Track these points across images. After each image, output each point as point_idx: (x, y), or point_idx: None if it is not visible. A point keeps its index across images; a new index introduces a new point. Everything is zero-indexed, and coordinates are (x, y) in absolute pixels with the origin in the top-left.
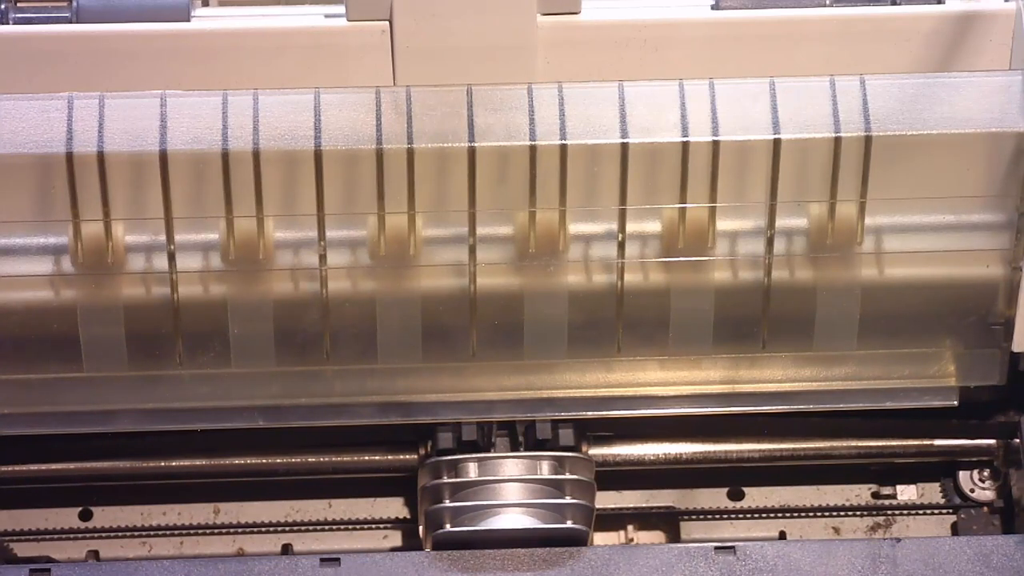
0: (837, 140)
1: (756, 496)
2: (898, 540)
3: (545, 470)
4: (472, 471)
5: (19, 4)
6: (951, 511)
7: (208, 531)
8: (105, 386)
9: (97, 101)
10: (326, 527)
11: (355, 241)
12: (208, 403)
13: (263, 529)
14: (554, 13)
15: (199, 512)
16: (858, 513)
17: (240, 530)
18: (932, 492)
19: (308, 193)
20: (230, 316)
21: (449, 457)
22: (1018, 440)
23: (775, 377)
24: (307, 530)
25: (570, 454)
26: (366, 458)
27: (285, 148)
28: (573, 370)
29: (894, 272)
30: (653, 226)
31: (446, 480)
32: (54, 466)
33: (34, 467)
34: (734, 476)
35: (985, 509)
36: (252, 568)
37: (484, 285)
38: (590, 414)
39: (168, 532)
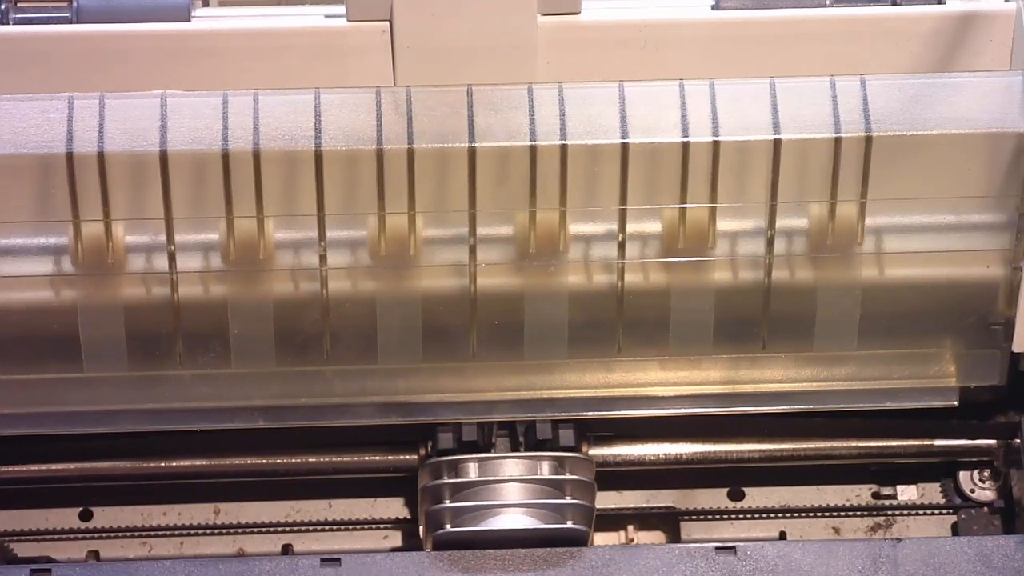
0: (837, 140)
1: (756, 496)
2: (898, 540)
3: (545, 470)
4: (472, 471)
5: (19, 4)
6: (951, 511)
7: (208, 531)
8: (105, 386)
9: (97, 101)
10: (326, 527)
11: (355, 241)
12: (208, 403)
13: (263, 529)
14: (554, 13)
15: (199, 512)
16: (858, 513)
17: (240, 530)
18: (932, 492)
19: (308, 193)
20: (230, 316)
21: (449, 457)
22: (1018, 440)
23: (775, 377)
24: (307, 530)
25: (570, 454)
26: (366, 458)
27: (285, 148)
28: (573, 370)
29: (894, 272)
30: (653, 226)
31: (446, 480)
32: (54, 466)
33: (34, 467)
34: (734, 476)
35: (985, 509)
36: (252, 568)
37: (484, 285)
38: (590, 414)
39: (168, 532)
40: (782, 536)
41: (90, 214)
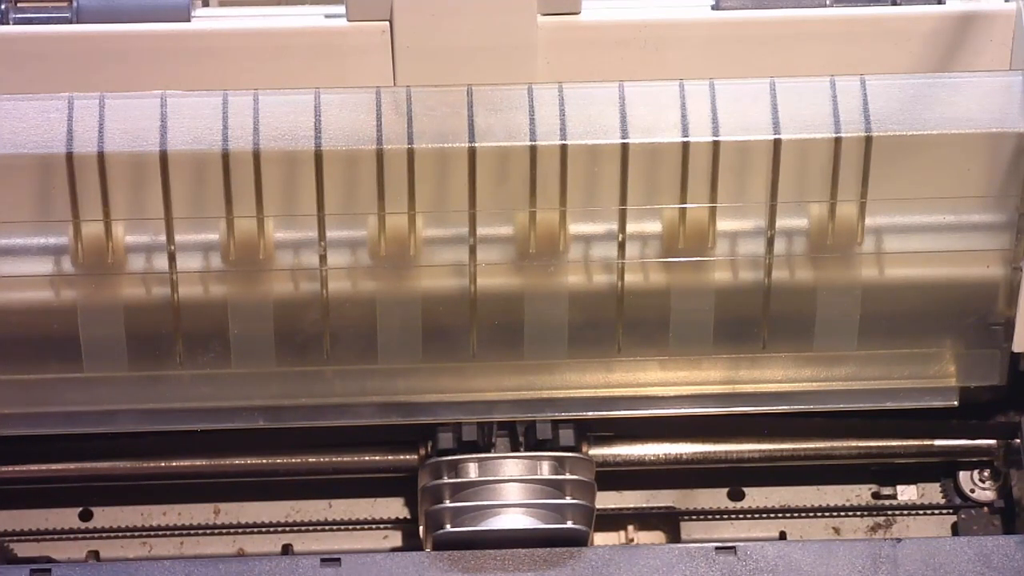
0: (837, 140)
1: (756, 496)
2: (898, 540)
3: (545, 470)
4: (472, 471)
5: (19, 4)
6: (951, 511)
7: (208, 531)
8: (105, 386)
9: (97, 101)
10: (326, 527)
11: (355, 241)
12: (208, 403)
13: (263, 529)
14: (554, 13)
15: (199, 512)
16: (858, 513)
17: (240, 530)
18: (932, 492)
19: (308, 193)
20: (230, 316)
21: (449, 457)
22: (1018, 440)
23: (775, 377)
24: (307, 530)
25: (570, 454)
26: (366, 458)
27: (285, 148)
28: (573, 370)
29: (894, 272)
30: (653, 226)
31: (446, 480)
32: (54, 466)
33: (34, 467)
34: (734, 476)
35: (985, 509)
36: (252, 568)
37: (484, 285)
38: (590, 414)
39: (168, 532)
40: (782, 536)
41: (90, 214)
